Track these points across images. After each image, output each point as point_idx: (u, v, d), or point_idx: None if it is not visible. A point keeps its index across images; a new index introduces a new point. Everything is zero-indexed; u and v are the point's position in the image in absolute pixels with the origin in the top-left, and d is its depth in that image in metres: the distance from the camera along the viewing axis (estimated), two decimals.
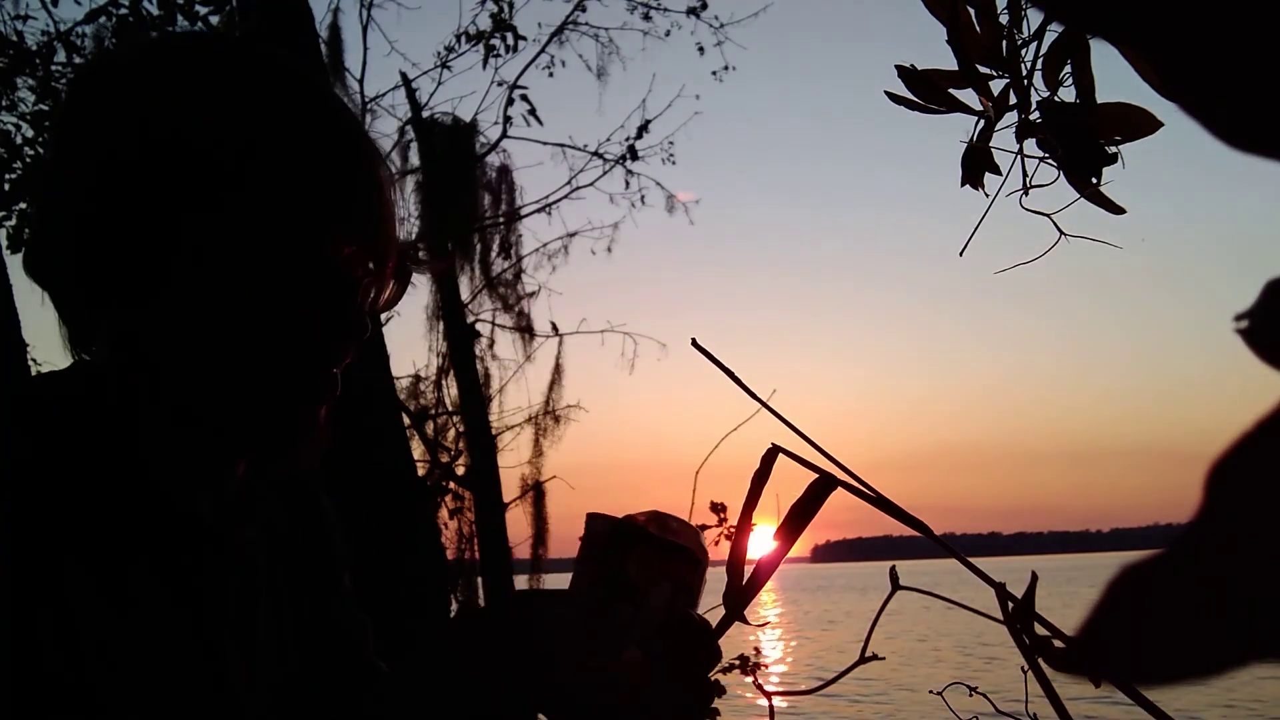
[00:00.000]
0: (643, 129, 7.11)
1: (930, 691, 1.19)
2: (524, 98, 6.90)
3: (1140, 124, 0.81)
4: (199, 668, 0.76)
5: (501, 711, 0.73)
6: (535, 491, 7.17)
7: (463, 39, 6.74)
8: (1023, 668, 0.63)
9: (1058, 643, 0.56)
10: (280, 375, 0.78)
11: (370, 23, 6.40)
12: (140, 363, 0.78)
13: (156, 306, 0.75)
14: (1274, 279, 0.19)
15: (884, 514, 0.62)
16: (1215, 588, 0.17)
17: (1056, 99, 0.84)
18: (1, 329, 3.15)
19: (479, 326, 7.24)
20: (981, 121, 0.88)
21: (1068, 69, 0.83)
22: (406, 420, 5.91)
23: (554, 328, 7.38)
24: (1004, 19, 0.84)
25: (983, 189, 0.90)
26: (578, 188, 7.27)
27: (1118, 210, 0.84)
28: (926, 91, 0.86)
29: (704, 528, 2.37)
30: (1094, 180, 0.82)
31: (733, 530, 0.65)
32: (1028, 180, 0.87)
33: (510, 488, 7.03)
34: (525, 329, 7.41)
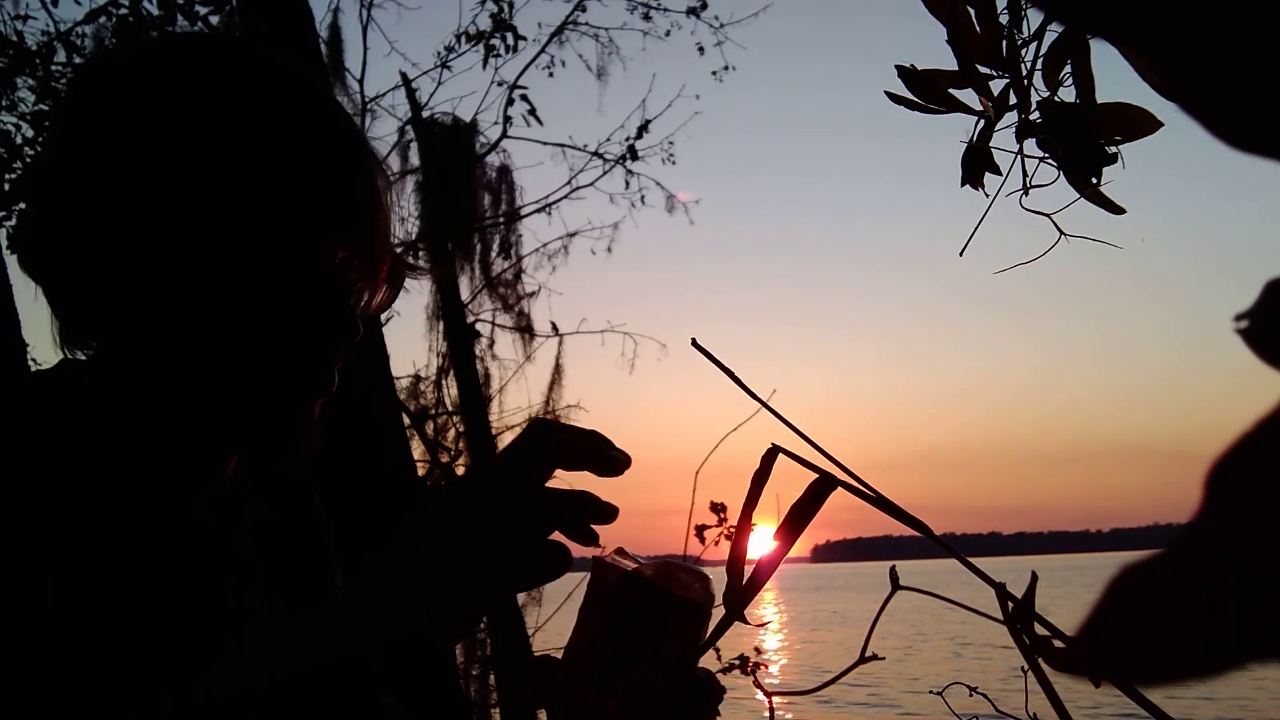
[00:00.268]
0: (643, 129, 7.11)
1: (930, 691, 1.19)
2: (524, 98, 6.90)
3: (1140, 124, 0.81)
4: (194, 663, 0.77)
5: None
6: None
7: (463, 39, 6.74)
8: (1023, 668, 0.63)
9: (1058, 643, 0.56)
10: (280, 374, 0.78)
11: (370, 23, 6.40)
12: (139, 361, 0.78)
13: (165, 307, 0.75)
14: (1274, 279, 0.19)
15: (884, 514, 0.62)
16: (1215, 588, 0.17)
17: (1056, 99, 0.84)
18: (1, 329, 3.15)
19: (479, 326, 7.24)
20: (981, 121, 0.88)
21: (1068, 69, 0.83)
22: (406, 420, 5.91)
23: (554, 328, 7.38)
24: (1004, 19, 0.84)
25: (983, 189, 0.90)
26: (578, 188, 7.27)
27: (1118, 210, 0.84)
28: (926, 91, 0.86)
29: (704, 528, 2.37)
30: (1094, 180, 0.82)
31: (733, 530, 0.65)
32: (1028, 180, 0.87)
33: None
34: (525, 329, 7.41)
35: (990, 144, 0.89)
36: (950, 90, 0.87)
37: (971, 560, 0.62)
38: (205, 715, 0.59)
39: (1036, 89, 0.85)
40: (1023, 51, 0.85)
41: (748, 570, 0.65)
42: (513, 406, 7.31)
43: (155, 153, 0.73)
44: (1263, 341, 0.19)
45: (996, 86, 0.86)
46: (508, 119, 6.96)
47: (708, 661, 0.76)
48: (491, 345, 7.30)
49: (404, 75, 7.00)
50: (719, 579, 0.68)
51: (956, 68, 0.85)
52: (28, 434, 0.73)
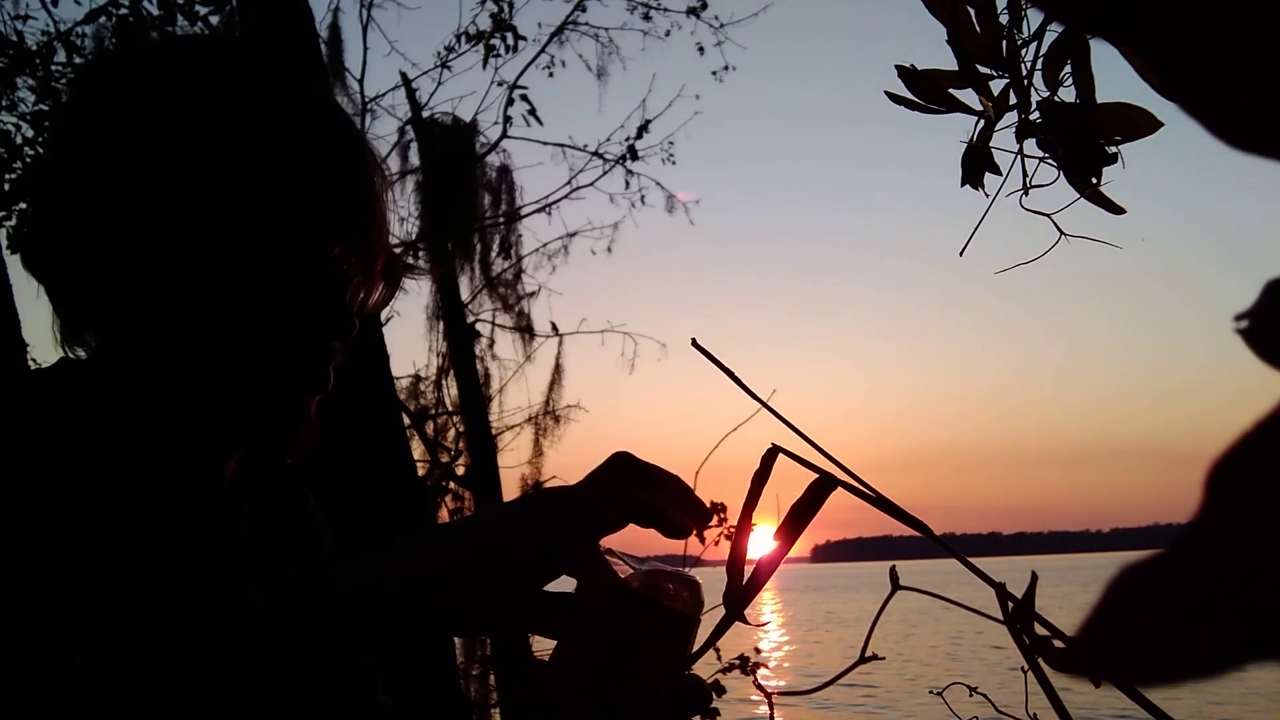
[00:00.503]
0: (643, 129, 7.10)
1: (930, 691, 1.19)
2: (524, 98, 6.89)
3: (1140, 124, 0.81)
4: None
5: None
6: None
7: (463, 39, 6.74)
8: (1023, 668, 0.63)
9: (1058, 643, 0.56)
10: (277, 371, 0.78)
11: (370, 23, 6.39)
12: (139, 360, 0.78)
13: (164, 305, 0.76)
14: (1274, 279, 0.19)
15: (884, 514, 0.62)
16: (1215, 588, 0.17)
17: (1056, 99, 0.84)
18: (1, 329, 3.15)
19: (479, 326, 7.24)
20: (981, 121, 0.88)
21: (1068, 69, 0.83)
22: (406, 420, 5.91)
23: (554, 328, 7.38)
24: (1004, 19, 0.84)
25: (983, 189, 0.90)
26: (578, 188, 7.27)
27: (1118, 210, 0.84)
28: (926, 91, 0.86)
29: (704, 528, 2.37)
30: (1094, 180, 0.82)
31: (733, 530, 0.65)
32: (1028, 180, 0.87)
33: (510, 488, 7.02)
34: (525, 329, 7.41)
35: (990, 144, 0.89)
36: (950, 90, 0.87)
37: (971, 560, 0.62)
38: (150, 689, 0.57)
39: (1036, 89, 0.85)
40: (1023, 51, 0.85)
41: (748, 570, 0.65)
42: (513, 406, 7.32)
43: (152, 152, 0.73)
44: (1263, 341, 0.19)
45: (996, 86, 0.86)
46: (508, 119, 6.97)
47: (708, 661, 0.75)
48: (491, 345, 7.30)
49: (404, 75, 7.00)
50: (719, 579, 0.68)
51: (956, 68, 0.85)
52: (27, 433, 0.73)
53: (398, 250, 0.90)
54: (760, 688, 0.77)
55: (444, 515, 6.50)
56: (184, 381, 0.78)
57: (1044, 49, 0.84)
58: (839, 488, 0.63)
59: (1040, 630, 0.56)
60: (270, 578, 0.89)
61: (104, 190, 0.74)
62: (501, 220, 7.43)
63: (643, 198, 7.35)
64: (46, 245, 0.78)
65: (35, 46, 4.67)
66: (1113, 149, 0.82)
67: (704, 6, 7.16)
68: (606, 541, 0.68)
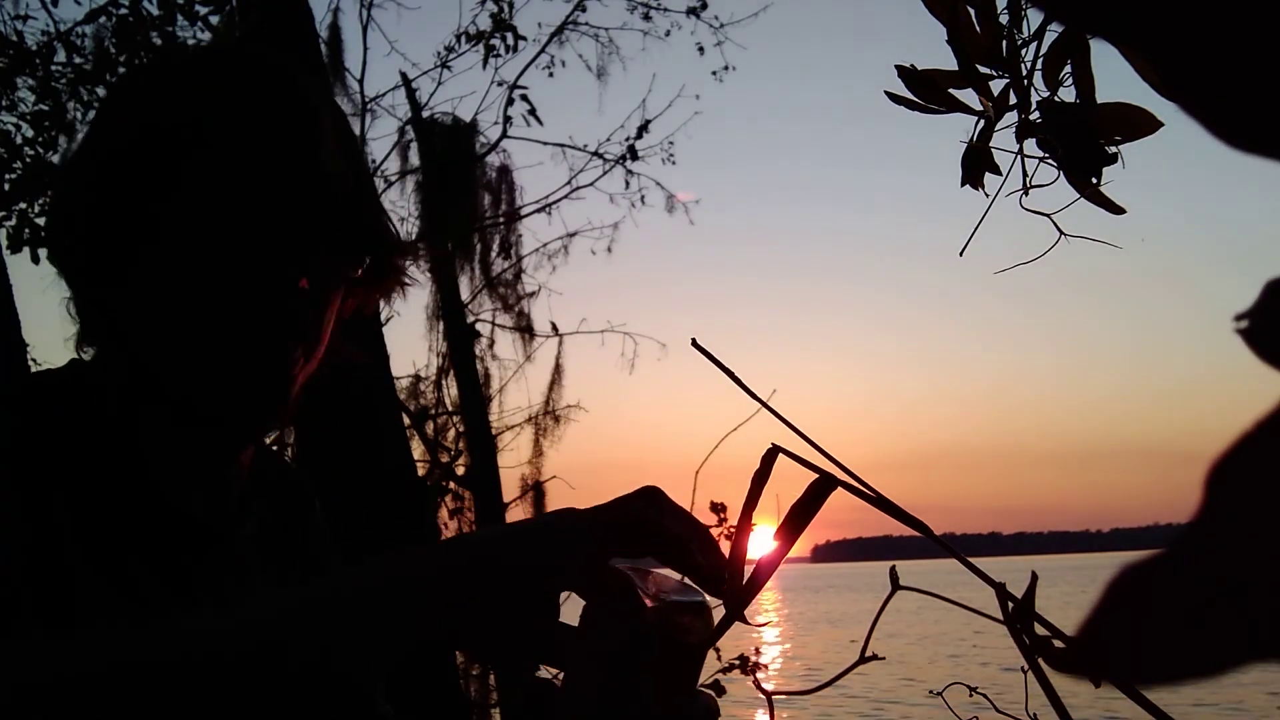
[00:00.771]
0: (643, 129, 7.10)
1: (930, 691, 1.19)
2: (524, 98, 6.89)
3: (1140, 124, 0.81)
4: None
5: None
6: (535, 491, 7.17)
7: (463, 39, 6.74)
8: (1023, 668, 0.63)
9: (1058, 643, 0.56)
10: (225, 354, 0.80)
11: (370, 23, 6.39)
12: (118, 338, 0.81)
13: (133, 277, 0.80)
14: (1274, 279, 0.19)
15: (884, 514, 0.62)
16: (1215, 588, 0.17)
17: (1056, 99, 0.84)
18: (1, 329, 3.15)
19: (479, 326, 7.24)
20: (981, 121, 0.88)
21: (1068, 69, 0.83)
22: (406, 420, 5.91)
23: (554, 328, 7.37)
24: (1004, 19, 0.84)
25: (983, 189, 0.90)
26: (578, 188, 7.27)
27: (1118, 210, 0.84)
28: (926, 91, 0.86)
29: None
30: (1094, 180, 0.82)
31: (733, 530, 0.65)
32: (1028, 180, 0.87)
33: (510, 488, 7.03)
34: (525, 329, 7.41)
35: (990, 144, 0.89)
36: (950, 90, 0.87)
37: (971, 560, 0.62)
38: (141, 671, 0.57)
39: (1036, 89, 0.85)
40: (1023, 51, 0.85)
41: (748, 570, 0.65)
42: (513, 406, 7.32)
43: (127, 143, 0.81)
44: (1263, 341, 0.19)
45: (996, 86, 0.86)
46: (508, 119, 6.97)
47: (708, 661, 0.75)
48: (491, 345, 7.30)
49: (404, 75, 7.00)
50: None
51: (956, 68, 0.85)
52: (26, 433, 0.73)
53: (393, 256, 0.90)
54: (760, 688, 0.77)
55: (444, 515, 6.50)
56: (151, 355, 0.80)
57: (1044, 49, 0.84)
58: (839, 488, 0.63)
59: (1040, 630, 0.56)
60: (271, 579, 0.89)
61: (86, 179, 0.82)
62: (501, 220, 7.44)
63: (643, 198, 7.35)
64: (54, 237, 0.85)
65: (35, 46, 4.67)
66: (1113, 149, 0.82)
67: (704, 6, 7.16)
68: (621, 565, 0.66)
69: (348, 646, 0.59)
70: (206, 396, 0.80)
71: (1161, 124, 0.81)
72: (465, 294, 7.23)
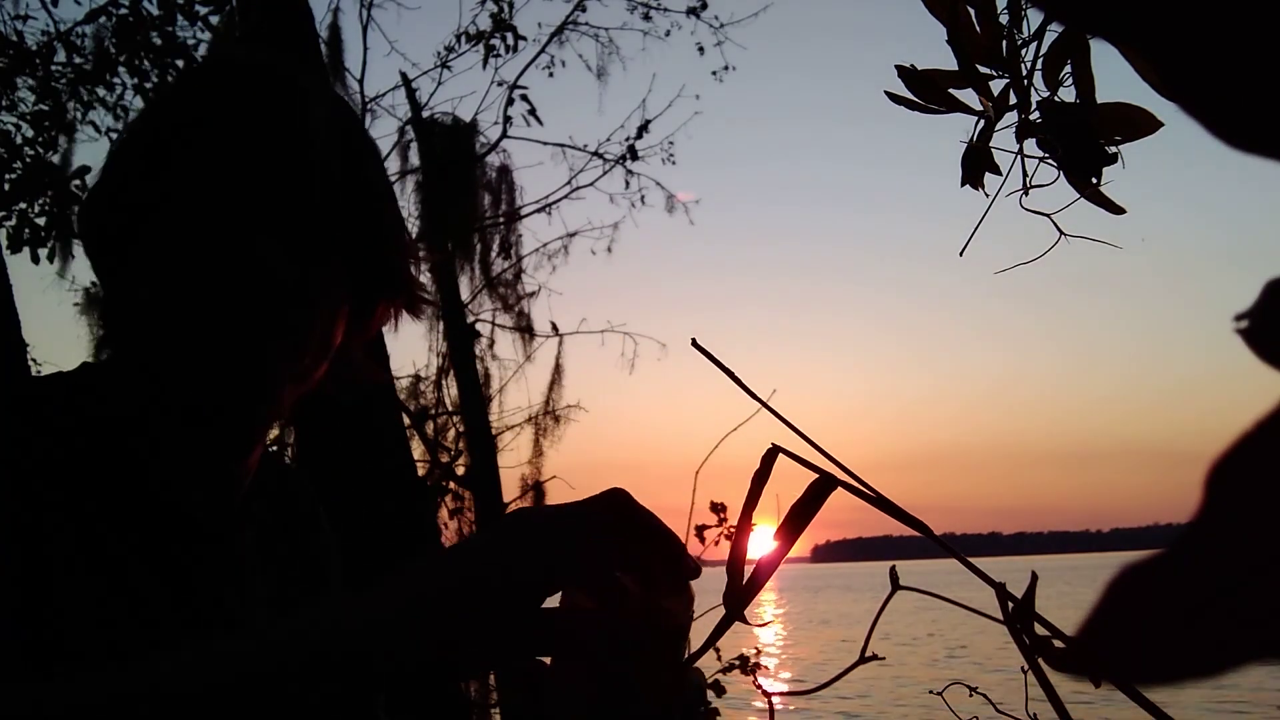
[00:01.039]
0: (643, 129, 7.10)
1: (930, 691, 1.19)
2: (524, 98, 6.89)
3: (1140, 124, 0.81)
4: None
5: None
6: (535, 491, 7.17)
7: (463, 39, 6.74)
8: (1023, 668, 0.63)
9: (1058, 643, 0.56)
10: (206, 330, 0.79)
11: (370, 23, 6.39)
12: (128, 334, 0.82)
13: (132, 256, 0.82)
14: (1274, 279, 0.19)
15: (884, 514, 0.62)
16: (1215, 588, 0.17)
17: (1056, 99, 0.84)
18: (1, 329, 3.15)
19: (479, 326, 7.24)
20: (981, 121, 0.88)
21: (1068, 69, 0.83)
22: (406, 420, 5.91)
23: (554, 328, 7.37)
24: (1004, 19, 0.84)
25: (983, 189, 0.90)
26: (578, 188, 7.27)
27: (1118, 210, 0.84)
28: (926, 91, 0.86)
29: (704, 528, 2.37)
30: (1094, 180, 0.82)
31: (733, 530, 0.65)
32: (1028, 180, 0.87)
33: (510, 488, 7.02)
34: (525, 329, 7.41)
35: (990, 144, 0.89)
36: (950, 90, 0.87)
37: (971, 560, 0.62)
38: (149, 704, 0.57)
39: (1036, 89, 0.85)
40: (1023, 51, 0.85)
41: (748, 570, 0.65)
42: (513, 406, 7.32)
43: (139, 139, 0.85)
44: (1263, 341, 0.19)
45: (996, 86, 0.86)
46: (508, 119, 6.97)
47: (708, 662, 0.74)
48: (491, 345, 7.31)
49: (404, 75, 7.00)
50: (719, 579, 0.68)
51: (956, 68, 0.85)
52: (26, 433, 0.74)
53: (402, 280, 0.90)
54: (760, 688, 0.77)
55: (444, 515, 6.50)
56: (145, 341, 0.81)
57: (1044, 49, 0.84)
58: (839, 488, 0.63)
59: (1040, 630, 0.56)
60: (270, 580, 0.89)
61: (105, 176, 0.85)
62: (501, 220, 7.44)
63: (643, 198, 7.35)
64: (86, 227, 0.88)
65: (35, 46, 4.67)
66: (1113, 149, 0.82)
67: (704, 6, 7.16)
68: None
69: (333, 689, 0.60)
70: (185, 386, 0.80)
71: (1161, 124, 0.81)
72: (465, 294, 7.23)
